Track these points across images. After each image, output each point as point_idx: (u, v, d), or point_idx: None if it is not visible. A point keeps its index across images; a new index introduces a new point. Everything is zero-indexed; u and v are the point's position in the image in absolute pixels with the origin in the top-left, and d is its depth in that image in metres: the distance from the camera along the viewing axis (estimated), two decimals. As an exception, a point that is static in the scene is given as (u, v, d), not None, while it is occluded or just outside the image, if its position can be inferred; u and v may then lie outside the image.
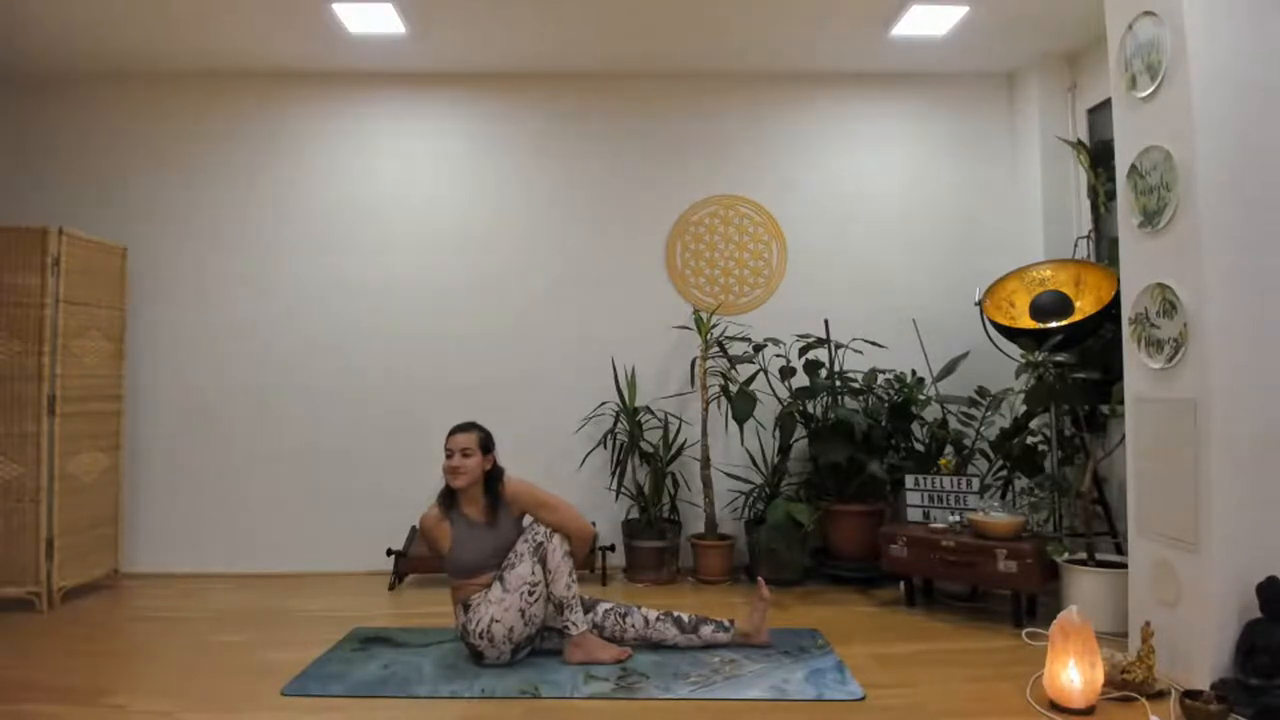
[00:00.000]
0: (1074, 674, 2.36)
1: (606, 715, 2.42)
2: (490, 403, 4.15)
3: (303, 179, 4.38)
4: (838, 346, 4.20)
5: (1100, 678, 2.38)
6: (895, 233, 4.46)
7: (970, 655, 2.91)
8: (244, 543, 4.24)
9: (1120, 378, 3.01)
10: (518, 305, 4.38)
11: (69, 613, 3.52)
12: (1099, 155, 3.88)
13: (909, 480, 3.69)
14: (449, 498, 2.92)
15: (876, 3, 3.66)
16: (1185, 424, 2.60)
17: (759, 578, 3.17)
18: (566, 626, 2.82)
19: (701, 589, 3.93)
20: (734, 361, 4.15)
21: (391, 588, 3.95)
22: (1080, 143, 3.97)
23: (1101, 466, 3.51)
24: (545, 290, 4.40)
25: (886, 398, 4.08)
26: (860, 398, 4.07)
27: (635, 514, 4.18)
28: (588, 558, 3.84)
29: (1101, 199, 3.87)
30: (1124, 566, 3.03)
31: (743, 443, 4.24)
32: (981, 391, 3.83)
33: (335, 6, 3.62)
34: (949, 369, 4.03)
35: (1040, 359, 3.39)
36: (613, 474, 4.16)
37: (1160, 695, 2.46)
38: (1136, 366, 2.85)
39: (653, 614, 2.98)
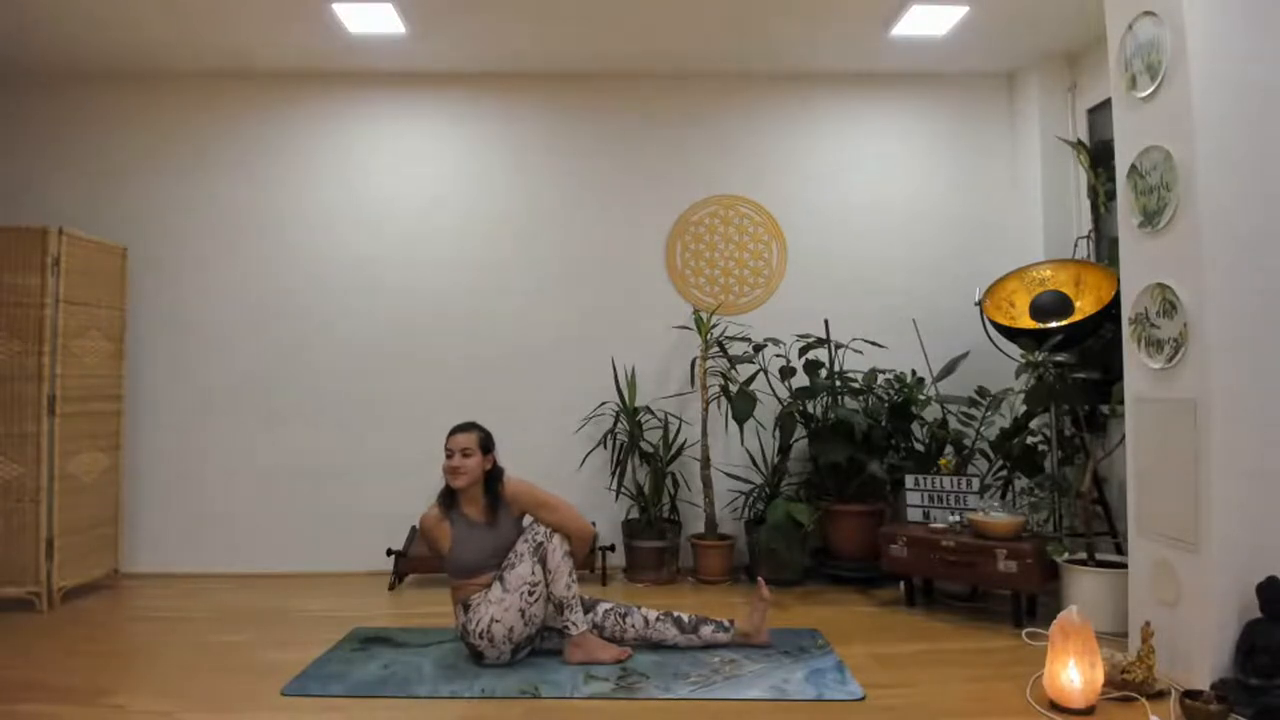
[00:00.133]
0: (1074, 674, 2.36)
1: (606, 715, 2.42)
2: (490, 402, 4.14)
3: (303, 179, 4.38)
4: (838, 346, 4.20)
5: (1100, 678, 2.38)
6: (895, 233, 4.46)
7: (970, 655, 2.91)
8: (244, 543, 4.24)
9: (1120, 378, 3.01)
10: (517, 305, 4.38)
11: (69, 613, 3.52)
12: (1099, 155, 3.88)
13: (909, 480, 3.69)
14: (449, 498, 2.92)
15: (876, 3, 3.66)
16: (1185, 424, 2.60)
17: (759, 578, 3.17)
18: (566, 626, 2.82)
19: (701, 589, 3.93)
20: (734, 361, 4.15)
21: (391, 588, 3.95)
22: (1080, 143, 3.97)
23: (1101, 466, 3.51)
24: (545, 290, 4.40)
25: (886, 398, 4.08)
26: (860, 398, 4.07)
27: (635, 514, 4.18)
28: (588, 558, 3.84)
29: (1101, 199, 3.87)
30: (1124, 566, 3.03)
31: (743, 443, 4.24)
32: (981, 391, 3.83)
33: (335, 6, 3.62)
34: (949, 369, 4.03)
35: (1040, 359, 3.39)
36: (613, 474, 4.16)
37: (1160, 695, 2.46)
38: (1136, 366, 2.85)
39: (653, 614, 2.98)
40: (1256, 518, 2.52)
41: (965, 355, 4.09)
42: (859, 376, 4.10)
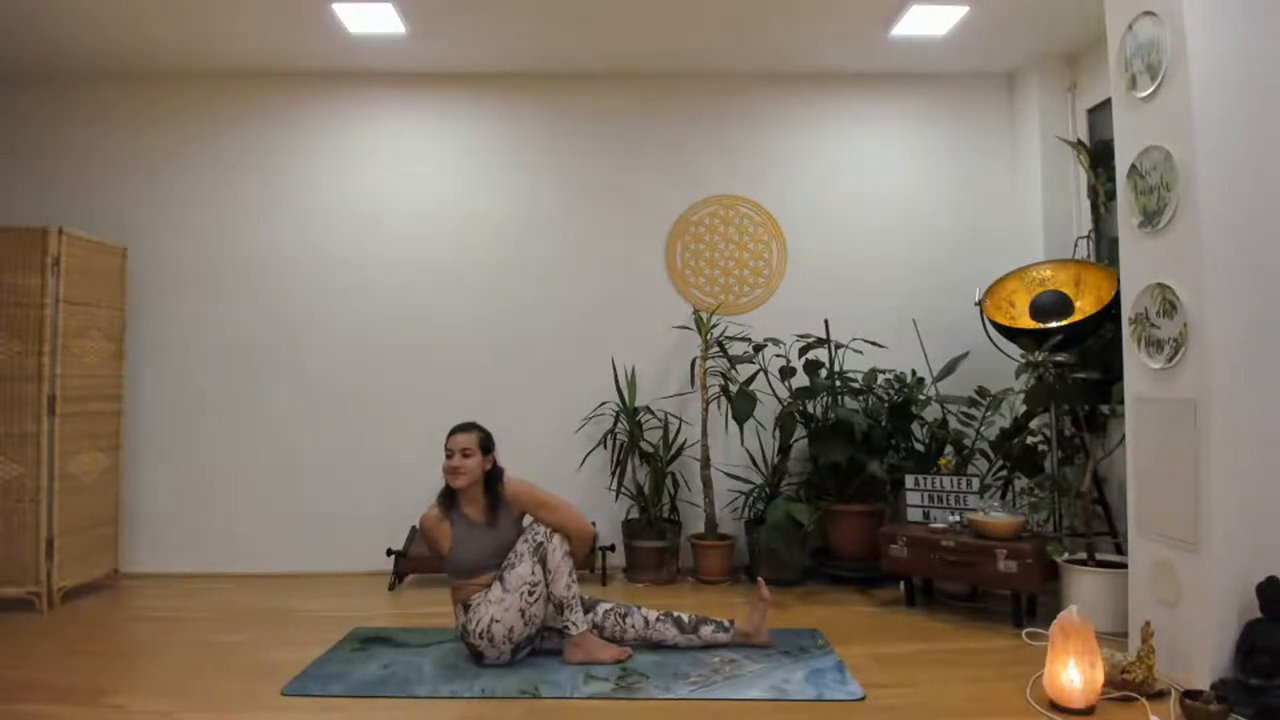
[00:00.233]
0: (1074, 674, 2.36)
1: (606, 715, 2.42)
2: (490, 402, 4.14)
3: (303, 179, 4.38)
4: (838, 346, 4.20)
5: (1100, 678, 2.38)
6: (895, 233, 4.46)
7: (970, 655, 2.91)
8: (244, 543, 4.24)
9: (1120, 378, 3.01)
10: (517, 305, 4.38)
11: (69, 613, 3.52)
12: (1099, 155, 3.88)
13: (909, 480, 3.69)
14: (449, 498, 2.92)
15: (876, 3, 3.66)
16: (1185, 424, 2.60)
17: (759, 578, 3.17)
18: (566, 626, 2.82)
19: (701, 589, 3.93)
20: (734, 361, 4.15)
21: (391, 588, 3.95)
22: (1080, 143, 3.97)
23: (1101, 466, 3.51)
24: (545, 290, 4.40)
25: (886, 398, 4.08)
26: (860, 398, 4.07)
27: (635, 514, 4.18)
28: (588, 558, 3.84)
29: (1101, 199, 3.87)
30: (1124, 566, 3.03)
31: (743, 443, 4.24)
32: (981, 391, 3.83)
33: (335, 6, 3.62)
34: (949, 369, 4.03)
35: (1040, 359, 3.39)
36: (613, 474, 4.16)
37: (1160, 695, 2.46)
38: (1136, 366, 2.85)
39: (653, 614, 2.98)
40: (1256, 518, 2.52)
41: (965, 355, 4.09)
42: (859, 376, 4.10)
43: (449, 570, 2.88)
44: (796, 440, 4.15)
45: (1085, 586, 3.15)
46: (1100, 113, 4.04)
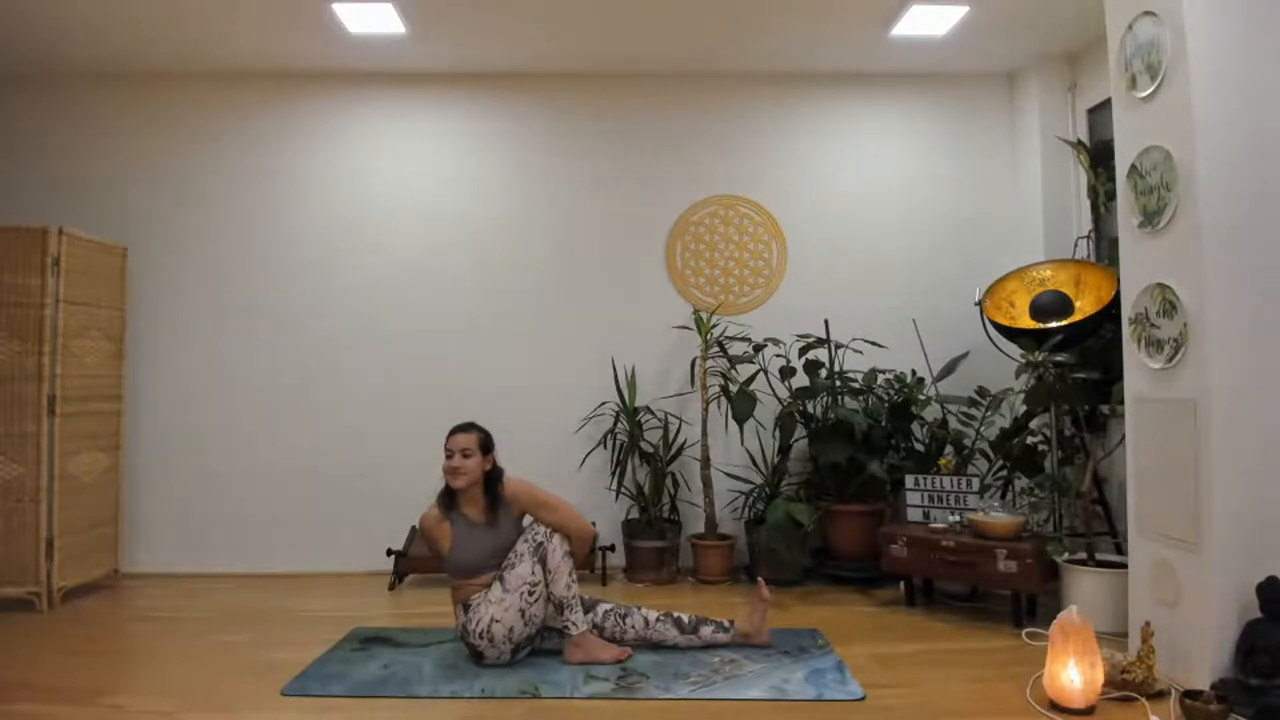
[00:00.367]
0: (1074, 674, 2.36)
1: (606, 715, 2.42)
2: (490, 403, 4.14)
3: (303, 179, 4.38)
4: (838, 346, 4.20)
5: (1100, 678, 2.38)
6: (895, 233, 4.46)
7: (970, 655, 2.91)
8: (244, 543, 4.24)
9: (1120, 378, 3.01)
10: (517, 305, 4.38)
11: (69, 613, 3.52)
12: (1099, 155, 3.88)
13: (909, 480, 3.69)
14: (449, 498, 2.92)
15: (876, 3, 3.66)
16: (1185, 424, 2.60)
17: (759, 578, 3.17)
18: (566, 626, 2.82)
19: (701, 589, 3.93)
20: (734, 361, 4.15)
21: (391, 588, 3.95)
22: (1080, 143, 3.97)
23: (1101, 466, 3.51)
24: (545, 290, 4.40)
25: (886, 398, 4.07)
26: (860, 398, 4.07)
27: (635, 514, 4.18)
28: (588, 558, 3.84)
29: (1101, 199, 3.87)
30: (1124, 566, 3.03)
31: (743, 443, 4.24)
32: (981, 391, 3.83)
33: (335, 6, 3.62)
34: (949, 369, 4.03)
35: (1040, 359, 3.39)
36: (613, 474, 4.16)
37: (1160, 695, 2.46)
38: (1136, 366, 2.85)
39: (653, 615, 2.98)
40: (1256, 518, 2.52)
41: (965, 355, 4.09)
42: (859, 376, 4.10)
43: (449, 570, 2.88)
44: (796, 440, 4.15)
45: (1085, 586, 3.15)
46: (1100, 113, 4.04)
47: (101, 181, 4.33)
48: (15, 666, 2.83)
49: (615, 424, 4.21)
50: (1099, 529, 3.42)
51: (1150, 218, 2.75)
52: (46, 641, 3.12)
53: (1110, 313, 3.41)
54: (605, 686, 2.61)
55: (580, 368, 4.34)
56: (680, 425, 4.32)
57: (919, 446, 4.07)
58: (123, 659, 2.96)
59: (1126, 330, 2.89)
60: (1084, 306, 3.60)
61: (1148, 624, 2.53)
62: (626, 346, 4.36)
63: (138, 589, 3.94)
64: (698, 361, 4.19)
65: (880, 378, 4.08)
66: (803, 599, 3.72)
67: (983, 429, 3.83)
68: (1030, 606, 3.29)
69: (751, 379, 4.10)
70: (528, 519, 2.97)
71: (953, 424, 3.98)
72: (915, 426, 4.09)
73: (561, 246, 4.41)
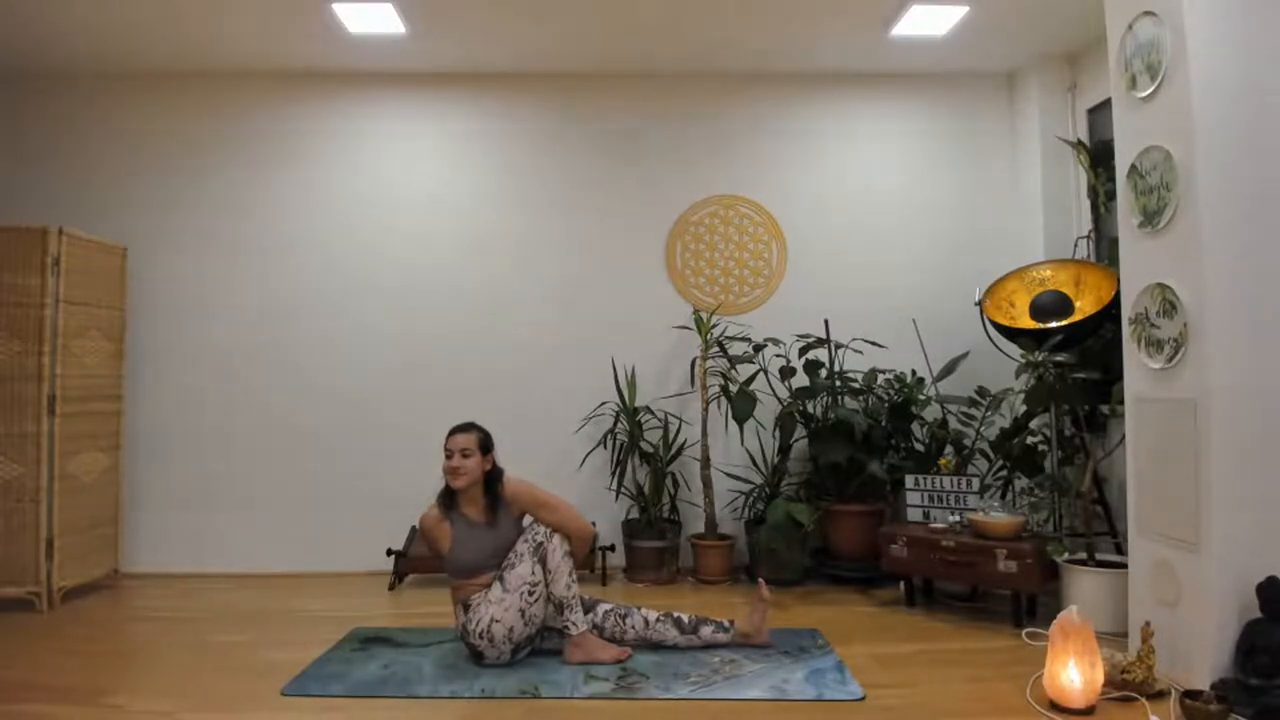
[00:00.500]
0: (1074, 674, 2.36)
1: (606, 715, 2.42)
2: (490, 402, 4.15)
3: (302, 179, 4.38)
4: (838, 346, 4.20)
5: (1100, 678, 2.38)
6: (895, 232, 4.46)
7: (970, 655, 2.91)
8: (244, 543, 4.24)
9: (1120, 378, 3.01)
10: (517, 305, 4.38)
11: (69, 613, 3.52)
12: (1099, 155, 3.88)
13: (909, 480, 3.69)
14: (449, 498, 2.92)
15: (876, 3, 3.66)
16: (1185, 424, 2.60)
17: (759, 578, 3.17)
18: (566, 626, 2.82)
19: (701, 589, 3.93)
20: (734, 361, 4.15)
21: (391, 588, 3.95)
22: (1080, 143, 3.97)
23: (1101, 466, 3.51)
24: (545, 290, 4.40)
25: (886, 398, 4.07)
26: (860, 398, 4.07)
27: (635, 514, 4.18)
28: (588, 558, 3.84)
29: (1101, 199, 3.87)
30: (1124, 566, 3.03)
31: (743, 443, 4.24)
32: (981, 391, 3.83)
33: (335, 6, 3.62)
34: (949, 369, 4.03)
35: (1040, 359, 3.39)
36: (613, 474, 4.16)
37: (1160, 695, 2.46)
38: (1136, 366, 2.85)
39: (653, 615, 2.98)
40: (1256, 518, 2.52)
41: (965, 355, 4.09)
42: (859, 376, 4.10)
43: (449, 570, 2.88)
44: (796, 440, 4.15)
45: (1085, 586, 3.15)
46: (1100, 113, 4.04)
47: (101, 181, 4.33)
48: (15, 666, 2.83)
49: (615, 424, 4.21)
50: (1099, 529, 3.42)
51: (1150, 218, 2.75)
52: (46, 641, 3.12)
53: (1110, 313, 3.41)
54: (605, 686, 2.61)
55: (580, 367, 4.34)
56: (680, 425, 4.32)
57: (919, 446, 4.07)
58: (123, 659, 2.96)
59: (1126, 330, 2.89)
60: (1084, 306, 3.60)
61: (1148, 624, 2.53)
62: (626, 346, 4.36)
63: (138, 589, 3.94)
64: (698, 361, 4.19)
65: (880, 378, 4.08)
66: (803, 599, 3.72)
67: (983, 429, 3.83)
68: (1030, 606, 3.29)
69: (751, 379, 4.10)
70: (528, 519, 2.97)
71: (953, 424, 3.98)
72: (915, 426, 4.09)
73: (561, 246, 4.41)
